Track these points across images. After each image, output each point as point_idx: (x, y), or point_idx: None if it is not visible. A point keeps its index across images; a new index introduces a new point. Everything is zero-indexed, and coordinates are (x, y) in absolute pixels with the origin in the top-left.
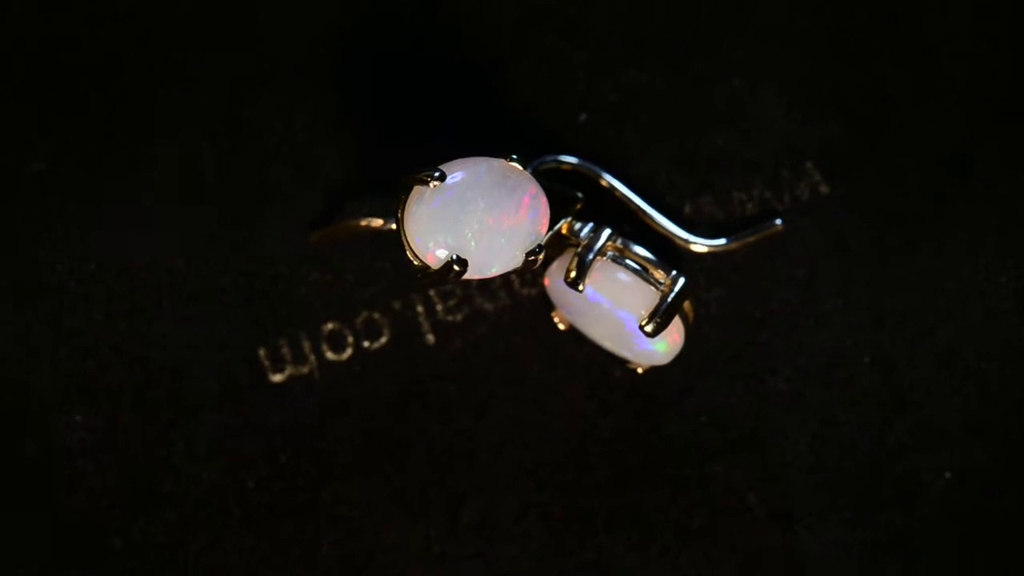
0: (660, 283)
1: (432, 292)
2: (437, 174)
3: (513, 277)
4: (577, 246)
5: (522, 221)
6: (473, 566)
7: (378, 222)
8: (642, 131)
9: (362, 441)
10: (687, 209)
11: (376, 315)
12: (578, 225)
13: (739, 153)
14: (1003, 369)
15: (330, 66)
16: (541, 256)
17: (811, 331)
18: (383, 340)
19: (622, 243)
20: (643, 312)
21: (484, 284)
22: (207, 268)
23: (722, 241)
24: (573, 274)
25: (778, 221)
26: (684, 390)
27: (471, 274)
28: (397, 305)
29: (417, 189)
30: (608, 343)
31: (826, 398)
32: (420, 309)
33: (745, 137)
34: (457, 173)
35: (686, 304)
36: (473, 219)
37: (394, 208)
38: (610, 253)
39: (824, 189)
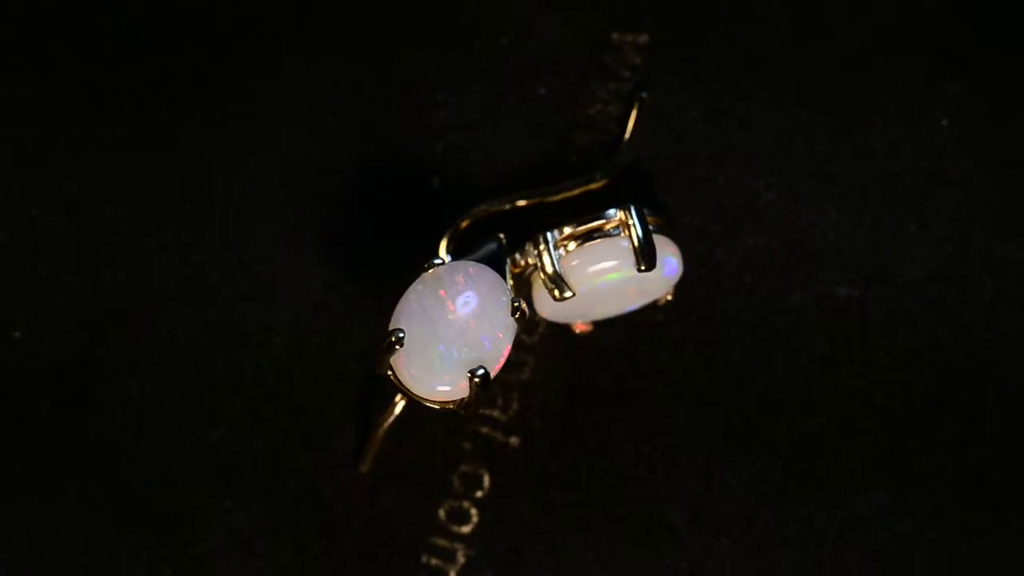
0: (619, 229)
1: (481, 410)
2: (401, 334)
3: (520, 338)
4: (536, 267)
5: (484, 296)
6: (719, 547)
7: (396, 407)
8: (482, 146)
9: (548, 561)
10: (575, 159)
11: (463, 468)
12: (518, 254)
13: (562, 82)
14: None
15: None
16: (523, 305)
17: (749, 139)
18: (487, 479)
19: (565, 232)
20: (628, 262)
21: (506, 365)
22: (323, 570)
23: (620, 152)
24: (555, 291)
25: (643, 95)
26: (710, 276)
27: (494, 371)
28: (468, 445)
29: (394, 360)
30: (632, 304)
31: (810, 171)
32: (485, 430)
33: (554, 66)
34: (406, 320)
35: (652, 220)
36: (453, 336)
37: (391, 388)
38: (562, 249)
39: (644, 39)
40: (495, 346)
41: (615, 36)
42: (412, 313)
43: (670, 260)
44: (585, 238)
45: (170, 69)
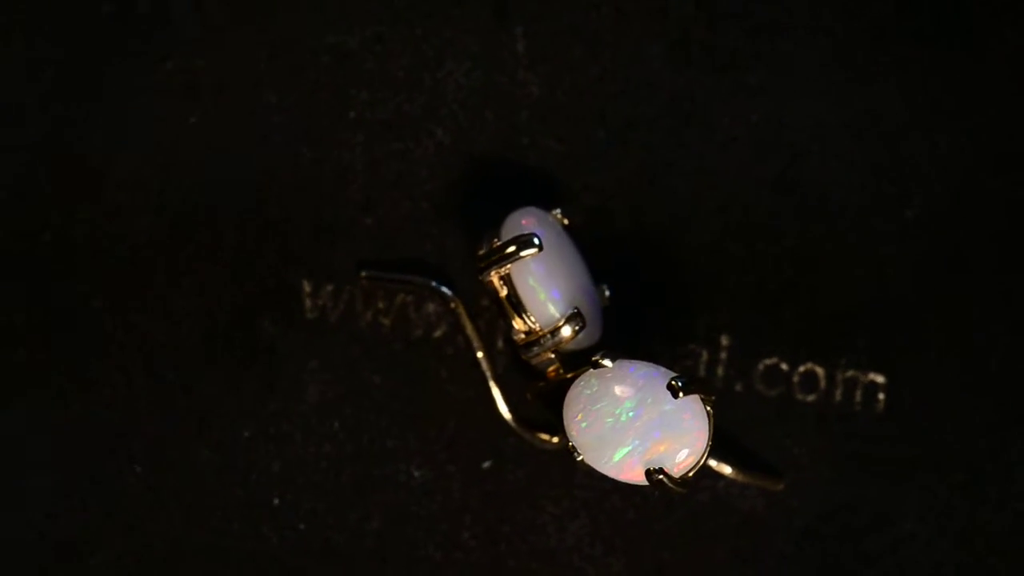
0: (502, 279)
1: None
2: (660, 474)
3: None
4: (554, 359)
5: (629, 374)
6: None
7: (725, 469)
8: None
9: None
10: (420, 331)
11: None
12: (540, 383)
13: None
14: None
15: None
16: (604, 361)
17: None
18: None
19: (517, 329)
20: (530, 263)
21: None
22: None
23: (423, 286)
24: (571, 330)
25: (363, 272)
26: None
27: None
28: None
29: (681, 469)
30: (579, 256)
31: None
32: (738, 387)
33: (328, 366)
34: (646, 450)
35: (482, 252)
36: (656, 412)
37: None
38: (521, 332)
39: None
40: (656, 381)
41: (306, 287)
42: (634, 435)
43: (523, 217)
44: (517, 306)
45: None
